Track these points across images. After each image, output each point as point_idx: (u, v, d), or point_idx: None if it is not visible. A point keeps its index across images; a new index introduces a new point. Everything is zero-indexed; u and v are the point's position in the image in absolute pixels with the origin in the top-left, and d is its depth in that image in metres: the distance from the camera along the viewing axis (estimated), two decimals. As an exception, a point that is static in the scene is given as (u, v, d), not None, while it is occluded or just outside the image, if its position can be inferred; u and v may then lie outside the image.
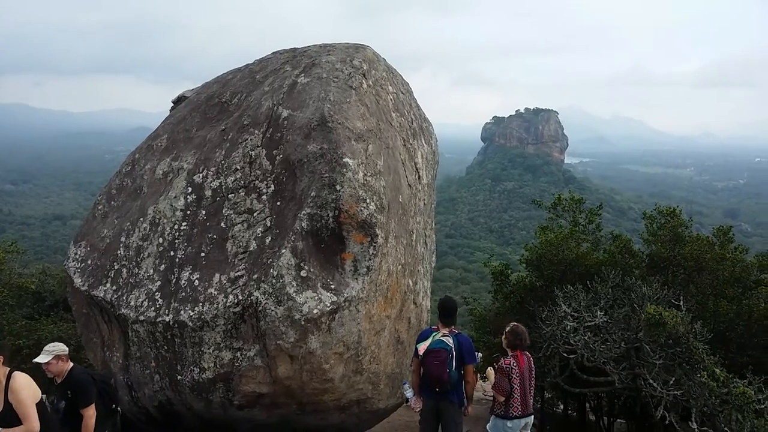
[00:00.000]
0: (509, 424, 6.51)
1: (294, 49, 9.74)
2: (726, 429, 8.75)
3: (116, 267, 8.14)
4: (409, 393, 6.76)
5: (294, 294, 6.82)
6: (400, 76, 10.26)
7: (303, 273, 6.97)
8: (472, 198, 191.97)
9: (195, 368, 7.39)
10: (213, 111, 9.14)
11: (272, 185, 7.68)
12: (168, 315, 7.37)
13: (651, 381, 9.44)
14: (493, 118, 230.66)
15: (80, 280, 8.42)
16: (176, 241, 7.84)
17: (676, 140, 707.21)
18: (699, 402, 9.07)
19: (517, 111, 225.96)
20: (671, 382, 9.37)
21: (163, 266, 7.74)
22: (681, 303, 10.59)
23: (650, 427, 11.62)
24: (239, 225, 7.57)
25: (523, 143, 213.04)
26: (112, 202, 9.15)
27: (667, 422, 9.40)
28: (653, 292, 10.57)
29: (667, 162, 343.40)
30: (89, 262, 8.55)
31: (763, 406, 8.99)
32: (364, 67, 8.63)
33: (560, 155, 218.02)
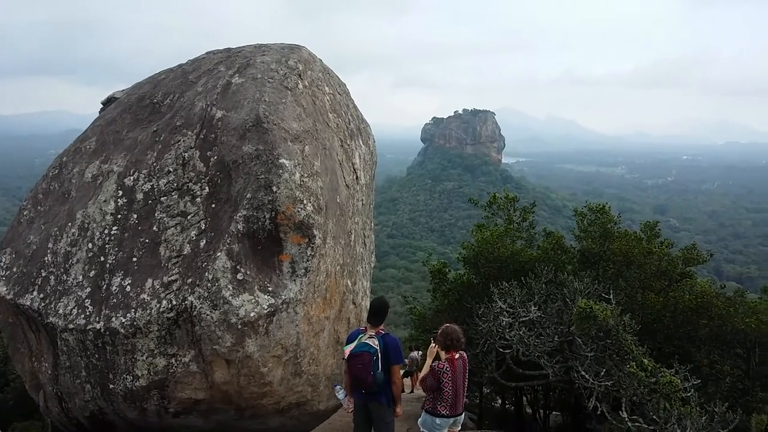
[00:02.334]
0: (438, 421, 6.56)
1: (228, 50, 9.61)
2: (654, 417, 9.10)
3: (43, 274, 7.82)
4: (340, 394, 6.75)
5: (230, 297, 6.73)
6: (337, 76, 10.26)
7: (239, 276, 6.89)
8: (413, 198, 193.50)
9: (128, 376, 7.19)
10: (144, 112, 8.91)
11: (206, 187, 7.55)
12: (99, 322, 7.14)
13: (583, 373, 9.76)
14: (432, 119, 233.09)
15: (5, 289, 8.05)
16: (106, 246, 7.60)
17: (609, 140, 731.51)
18: (628, 392, 9.43)
19: (455, 112, 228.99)
20: (602, 373, 9.71)
21: (93, 272, 7.49)
22: (611, 296, 11.00)
23: (584, 418, 12.02)
24: (172, 228, 7.41)
25: (462, 144, 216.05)
26: (39, 207, 8.79)
27: (599, 412, 9.74)
28: (584, 287, 10.94)
29: (600, 161, 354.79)
30: (15, 269, 8.18)
31: (689, 394, 9.42)
32: (300, 68, 8.60)
33: (498, 155, 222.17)
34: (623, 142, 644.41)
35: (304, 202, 7.25)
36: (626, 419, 9.14)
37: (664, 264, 13.36)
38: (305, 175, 7.41)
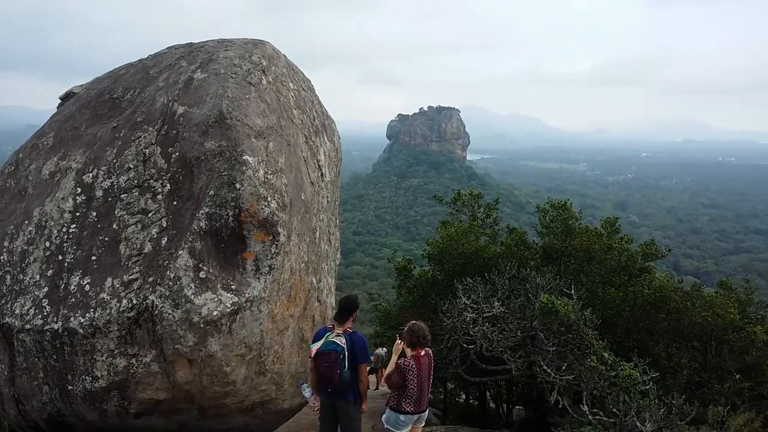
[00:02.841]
0: (402, 417, 6.59)
1: (190, 44, 9.46)
2: (614, 410, 9.28)
3: (-1, 273, 7.62)
4: (307, 392, 6.72)
5: (192, 296, 6.64)
6: (302, 72, 10.20)
7: (202, 274, 6.80)
8: (378, 195, 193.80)
9: (87, 377, 7.04)
10: (104, 108, 8.72)
11: (168, 184, 7.44)
12: (57, 322, 6.98)
13: (545, 367, 9.90)
14: (398, 116, 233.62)
15: (-43, 289, 7.82)
16: (65, 244, 7.43)
17: (571, 137, 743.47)
18: (589, 385, 9.60)
19: (421, 109, 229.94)
20: (564, 367, 9.87)
21: (50, 271, 7.32)
22: (572, 291, 11.18)
23: (546, 412, 12.17)
24: (133, 226, 7.28)
25: (427, 141, 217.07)
26: (-7, 205, 8.55)
27: (560, 406, 9.88)
28: (546, 282, 11.10)
29: (563, 158, 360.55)
30: (-33, 269, 7.95)
31: (647, 387, 9.64)
32: (264, 63, 8.52)
33: (463, 152, 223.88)
34: (585, 140, 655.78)
35: (269, 199, 7.19)
36: (587, 412, 9.29)
37: (624, 259, 13.64)
38: (269, 171, 7.36)
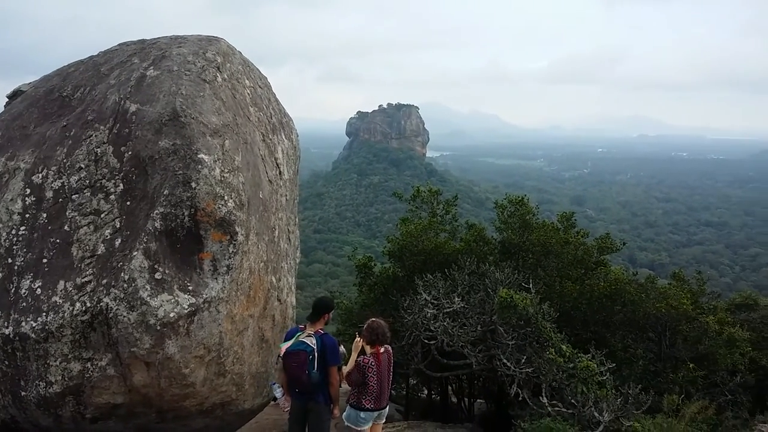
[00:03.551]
0: (362, 415, 6.60)
1: (142, 41, 9.27)
2: (572, 401, 9.46)
3: (-57, 278, 7.35)
4: (278, 392, 6.66)
5: (148, 298, 6.52)
6: (258, 69, 10.09)
7: (157, 275, 6.68)
8: (338, 193, 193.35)
9: (41, 383, 6.86)
10: (53, 106, 8.48)
11: (121, 184, 7.28)
12: (7, 327, 6.79)
13: (505, 361, 10.03)
14: (357, 113, 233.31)
15: None
16: (14, 247, 7.21)
17: (528, 133, 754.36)
18: (548, 377, 9.76)
19: (380, 106, 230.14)
20: (523, 360, 10.01)
21: (0, 275, 7.10)
22: (530, 286, 11.35)
23: (506, 405, 12.33)
24: (85, 227, 7.11)
25: (387, 138, 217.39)
26: (-64, 207, 8.23)
27: (520, 399, 10.02)
28: (505, 277, 11.24)
29: (520, 154, 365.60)
30: None
31: (604, 378, 9.85)
32: (219, 60, 8.39)
33: (422, 149, 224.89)
34: (541, 136, 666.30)
35: (225, 198, 7.10)
36: (546, 404, 9.45)
37: (580, 253, 13.88)
38: (226, 170, 7.26)
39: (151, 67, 8.10)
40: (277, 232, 8.87)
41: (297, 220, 11.03)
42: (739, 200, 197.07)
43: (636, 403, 9.53)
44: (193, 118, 7.33)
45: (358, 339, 6.76)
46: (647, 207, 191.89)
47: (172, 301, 6.63)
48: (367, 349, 6.63)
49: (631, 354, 12.63)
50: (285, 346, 6.38)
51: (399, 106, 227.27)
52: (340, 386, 6.59)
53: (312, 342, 6.33)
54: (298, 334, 6.44)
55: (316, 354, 6.30)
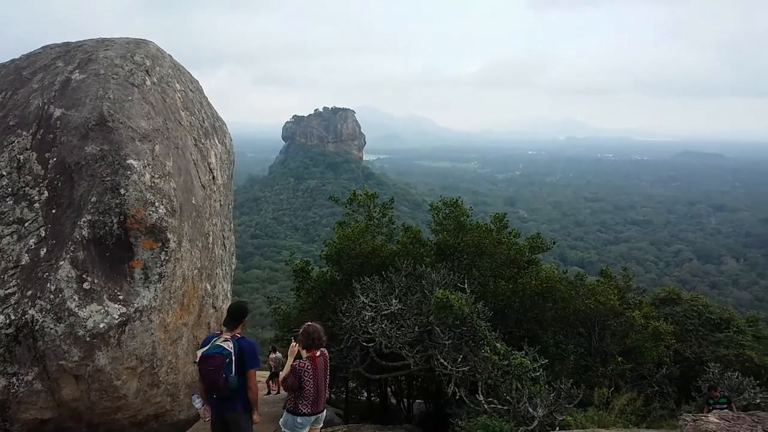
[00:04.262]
0: (299, 420, 6.56)
1: (67, 44, 8.95)
2: (508, 398, 9.69)
3: None
4: (197, 403, 6.51)
5: (76, 309, 6.31)
6: (189, 73, 9.91)
7: (86, 285, 6.47)
8: (275, 197, 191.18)
9: (-40, 401, 6.53)
10: (-30, 110, 8.09)
11: (46, 191, 7.01)
12: None
13: (442, 360, 10.20)
14: (293, 117, 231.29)
15: None
16: (-72, 259, 6.83)
17: (462, 136, 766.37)
18: (484, 375, 9.98)
19: (316, 110, 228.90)
20: (459, 359, 10.21)
21: None
22: (465, 286, 11.58)
23: (444, 404, 12.53)
24: (8, 237, 6.81)
25: (324, 142, 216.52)
26: None
27: (458, 397, 10.21)
28: (441, 278, 11.42)
29: (455, 157, 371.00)
30: None
31: (538, 374, 10.14)
32: (147, 64, 8.20)
33: (359, 153, 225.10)
34: (474, 139, 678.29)
35: (156, 204, 6.95)
36: (483, 402, 9.65)
37: (513, 253, 14.25)
38: (156, 175, 7.11)
39: (77, 71, 7.84)
40: (211, 238, 8.74)
41: (232, 225, 10.87)
42: (663, 199, 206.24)
43: (568, 397, 9.85)
44: (121, 123, 7.14)
45: (293, 344, 6.71)
46: (576, 207, 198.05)
47: (102, 311, 6.43)
48: (303, 353, 6.60)
49: (562, 350, 13.04)
50: (201, 351, 6.25)
51: (335, 110, 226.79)
52: (279, 392, 6.53)
53: (228, 345, 6.22)
54: (215, 339, 6.33)
55: (233, 357, 6.20)
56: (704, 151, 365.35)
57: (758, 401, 12.52)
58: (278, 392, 17.78)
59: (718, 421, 6.38)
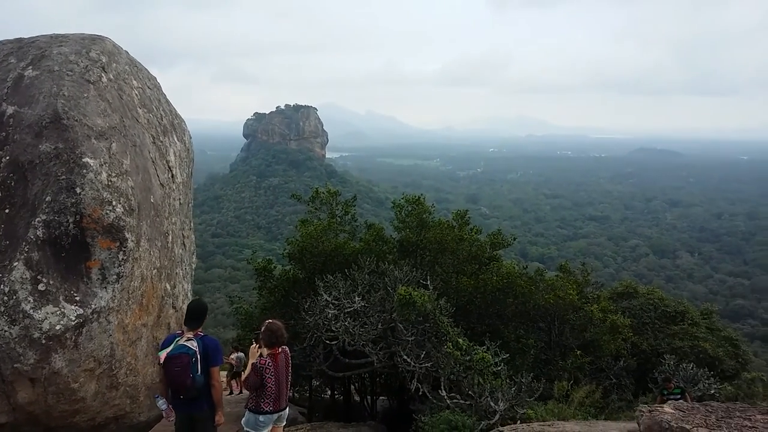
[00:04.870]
0: (261, 418, 6.55)
1: (19, 40, 8.69)
2: (470, 392, 9.82)
3: None
4: (162, 404, 6.45)
5: (31, 310, 6.17)
6: (146, 70, 9.73)
7: (41, 287, 6.33)
8: (237, 195, 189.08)
9: None
10: None
11: (-2, 191, 6.82)
12: None
13: (405, 357, 10.27)
14: (254, 114, 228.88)
15: None
16: None
17: (423, 134, 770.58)
18: (446, 371, 10.08)
19: (277, 107, 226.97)
20: (422, 355, 10.29)
21: None
22: (428, 282, 11.66)
23: (408, 400, 12.62)
24: (-42, 238, 6.60)
25: (286, 139, 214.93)
26: None
27: (421, 393, 10.29)
28: (404, 275, 11.49)
29: (417, 154, 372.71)
30: None
31: (499, 368, 10.28)
32: (103, 60, 8.03)
33: (322, 150, 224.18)
34: (436, 137, 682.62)
35: (113, 203, 6.83)
36: (445, 397, 9.75)
37: (475, 249, 14.43)
38: (113, 174, 6.99)
39: (30, 67, 7.63)
40: (170, 238, 8.62)
41: (192, 224, 10.75)
42: (620, 195, 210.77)
43: (529, 391, 10.02)
44: (76, 121, 6.99)
45: (253, 346, 6.70)
46: (537, 203, 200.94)
47: (58, 313, 6.31)
48: (265, 351, 6.59)
49: (523, 344, 13.26)
50: (164, 352, 6.19)
51: (297, 107, 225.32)
52: (241, 392, 6.49)
53: (193, 345, 6.19)
54: (177, 339, 6.28)
55: (198, 356, 6.17)
56: (660, 148, 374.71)
57: (712, 392, 12.94)
58: (240, 392, 17.65)
59: (673, 411, 6.57)
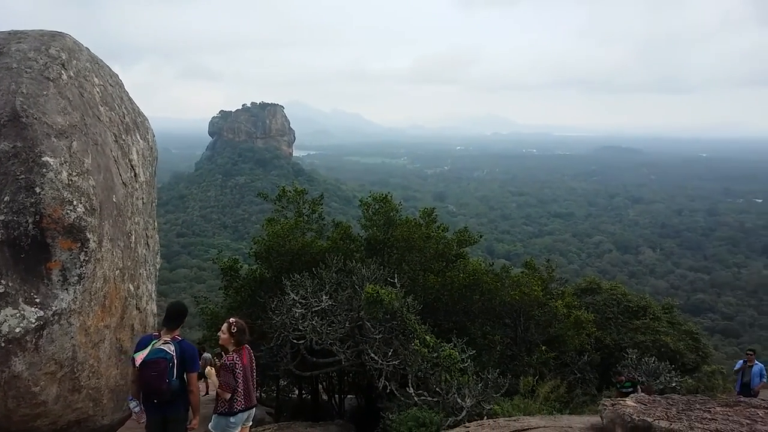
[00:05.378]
0: (232, 419, 6.52)
1: (-25, 36, 8.48)
2: (437, 389, 9.90)
3: None
4: (135, 407, 6.35)
5: (-11, 313, 6.01)
6: (108, 67, 9.56)
7: (0, 289, 6.18)
8: (203, 194, 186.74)
9: None
10: None
11: (-47, 191, 6.64)
12: None
13: (373, 355, 10.30)
14: (220, 112, 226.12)
15: None
16: None
17: (390, 132, 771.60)
18: (414, 368, 10.15)
19: (244, 105, 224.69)
20: (390, 353, 10.34)
21: None
22: (395, 280, 11.71)
23: (376, 398, 12.65)
24: None
25: (252, 137, 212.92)
26: None
27: (388, 391, 10.34)
28: (371, 273, 11.52)
29: (385, 152, 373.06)
30: None
31: (466, 365, 10.39)
32: (63, 57, 7.86)
33: (288, 148, 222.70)
34: (402, 134, 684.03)
35: (74, 203, 6.70)
36: (413, 394, 9.81)
37: (442, 247, 14.53)
38: (74, 173, 6.85)
39: (-14, 64, 7.44)
40: (133, 238, 8.49)
41: (156, 224, 10.59)
42: (584, 192, 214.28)
43: (495, 386, 10.15)
44: (35, 119, 6.83)
45: (209, 368, 6.64)
46: (503, 201, 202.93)
47: (18, 315, 6.17)
48: (231, 348, 6.58)
49: (489, 340, 13.41)
50: (141, 355, 6.08)
51: (263, 105, 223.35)
52: (207, 393, 6.43)
53: (170, 349, 6.10)
54: (154, 341, 6.19)
55: (175, 361, 6.10)
56: (623, 145, 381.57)
57: (674, 385, 13.27)
58: (206, 393, 17.48)
59: (634, 404, 6.71)
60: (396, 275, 11.99)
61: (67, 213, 6.61)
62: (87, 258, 6.77)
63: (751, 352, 14.05)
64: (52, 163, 6.65)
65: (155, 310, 9.70)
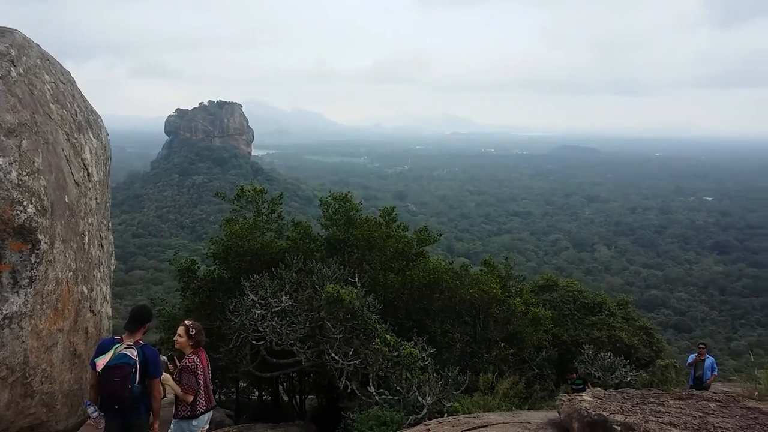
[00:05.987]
0: (194, 422, 6.44)
1: None
2: (398, 388, 9.93)
3: None
4: (93, 413, 6.17)
5: (-66, 318, 5.80)
6: (59, 64, 9.32)
7: (-55, 292, 5.97)
8: (159, 194, 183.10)
9: None
10: None
11: None
12: None
13: (333, 355, 10.28)
14: (176, 110, 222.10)
15: None
16: None
17: (350, 131, 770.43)
18: (374, 367, 10.17)
19: (201, 104, 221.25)
20: (350, 353, 10.34)
21: None
22: (356, 280, 11.71)
23: (337, 398, 12.62)
24: None
25: (210, 136, 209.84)
26: None
27: (349, 390, 10.33)
28: (332, 273, 11.49)
29: (345, 151, 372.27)
30: None
31: (426, 363, 10.45)
32: (13, 54, 7.64)
33: (247, 148, 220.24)
34: (362, 134, 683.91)
35: (24, 203, 6.51)
36: (374, 393, 9.83)
37: (402, 246, 14.57)
38: (24, 173, 6.66)
39: (-71, 60, 7.18)
40: (87, 239, 8.30)
41: (111, 224, 10.37)
42: (541, 191, 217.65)
43: (455, 384, 10.23)
44: (-18, 117, 6.62)
45: (166, 376, 6.47)
46: (462, 200, 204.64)
47: (-35, 319, 5.96)
48: (188, 350, 6.48)
49: (449, 338, 13.51)
50: (102, 359, 5.91)
51: (221, 104, 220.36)
52: (165, 396, 6.27)
53: (133, 354, 5.97)
54: (116, 346, 6.03)
55: (138, 366, 5.97)
56: (580, 145, 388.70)
57: (629, 379, 13.60)
58: (164, 396, 17.18)
59: (591, 399, 6.85)
60: (356, 274, 11.99)
61: (17, 214, 6.43)
62: (38, 260, 6.59)
63: (702, 346, 14.48)
64: (1, 163, 6.45)
65: (110, 313, 9.50)
